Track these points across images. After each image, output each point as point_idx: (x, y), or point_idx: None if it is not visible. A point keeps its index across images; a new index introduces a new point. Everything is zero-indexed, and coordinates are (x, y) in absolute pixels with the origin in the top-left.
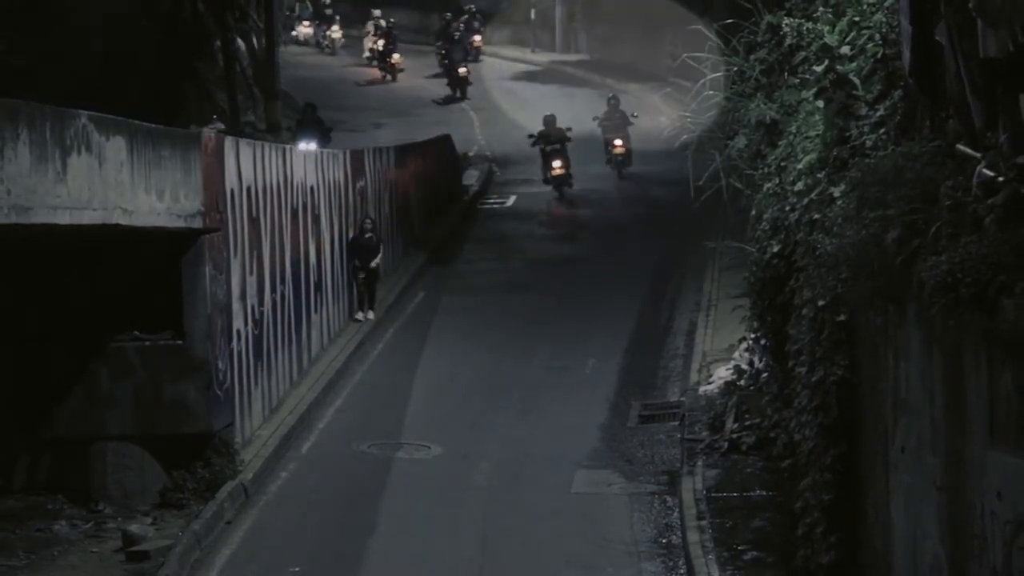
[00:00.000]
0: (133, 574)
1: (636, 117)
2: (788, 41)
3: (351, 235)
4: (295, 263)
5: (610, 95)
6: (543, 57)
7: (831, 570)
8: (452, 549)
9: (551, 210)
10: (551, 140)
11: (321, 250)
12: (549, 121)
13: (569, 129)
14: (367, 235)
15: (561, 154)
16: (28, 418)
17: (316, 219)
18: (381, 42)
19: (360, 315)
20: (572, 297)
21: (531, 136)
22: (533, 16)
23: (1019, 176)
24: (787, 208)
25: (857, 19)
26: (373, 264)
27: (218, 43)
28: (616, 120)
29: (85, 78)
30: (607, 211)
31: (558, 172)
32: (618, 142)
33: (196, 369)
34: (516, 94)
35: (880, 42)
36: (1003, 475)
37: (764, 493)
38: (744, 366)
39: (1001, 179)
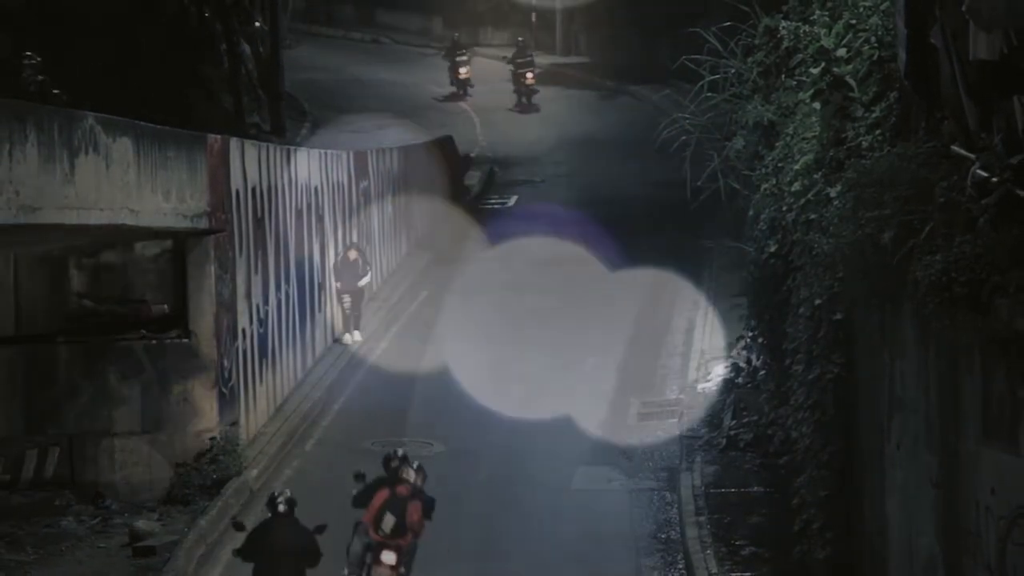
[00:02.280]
0: (139, 569)
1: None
2: (785, 44)
3: (336, 258)
4: (299, 263)
5: (519, 38)
6: (543, 59)
7: (828, 565)
8: (453, 545)
9: None
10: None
11: (325, 250)
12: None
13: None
14: (352, 259)
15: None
16: (37, 415)
17: (320, 219)
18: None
19: (347, 337)
20: (572, 296)
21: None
22: (534, 19)
23: (1013, 177)
24: (784, 208)
25: (853, 22)
26: (361, 284)
27: (224, 46)
28: (527, 58)
29: (91, 80)
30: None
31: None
32: (529, 75)
33: (202, 367)
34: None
35: (876, 45)
36: (997, 471)
37: (761, 489)
38: (742, 364)
39: (995, 180)
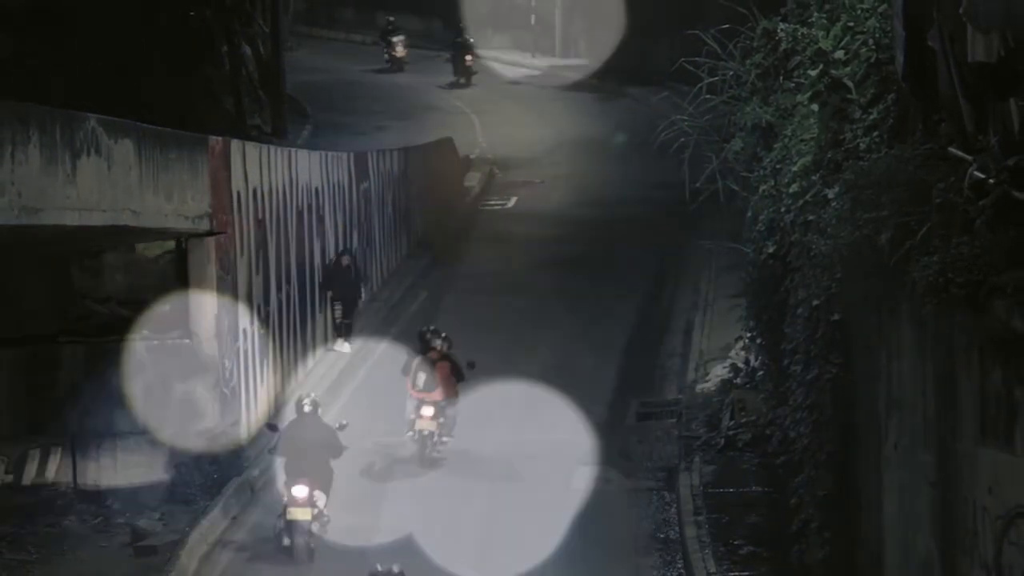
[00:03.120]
0: (141, 568)
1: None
2: (783, 46)
3: (328, 264)
4: (300, 264)
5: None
6: (543, 61)
7: (826, 564)
8: (453, 544)
9: None
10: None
11: (326, 251)
12: None
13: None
14: (344, 266)
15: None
16: (40, 415)
17: (321, 220)
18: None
19: (342, 345)
20: (572, 297)
21: None
22: (533, 21)
23: (1009, 178)
24: (782, 209)
25: (851, 24)
26: (356, 296)
27: (225, 47)
28: (468, 43)
29: (93, 82)
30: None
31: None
32: (469, 57)
33: (203, 368)
34: (517, 98)
35: (874, 47)
36: (994, 471)
37: (760, 489)
38: (740, 364)
39: (992, 181)
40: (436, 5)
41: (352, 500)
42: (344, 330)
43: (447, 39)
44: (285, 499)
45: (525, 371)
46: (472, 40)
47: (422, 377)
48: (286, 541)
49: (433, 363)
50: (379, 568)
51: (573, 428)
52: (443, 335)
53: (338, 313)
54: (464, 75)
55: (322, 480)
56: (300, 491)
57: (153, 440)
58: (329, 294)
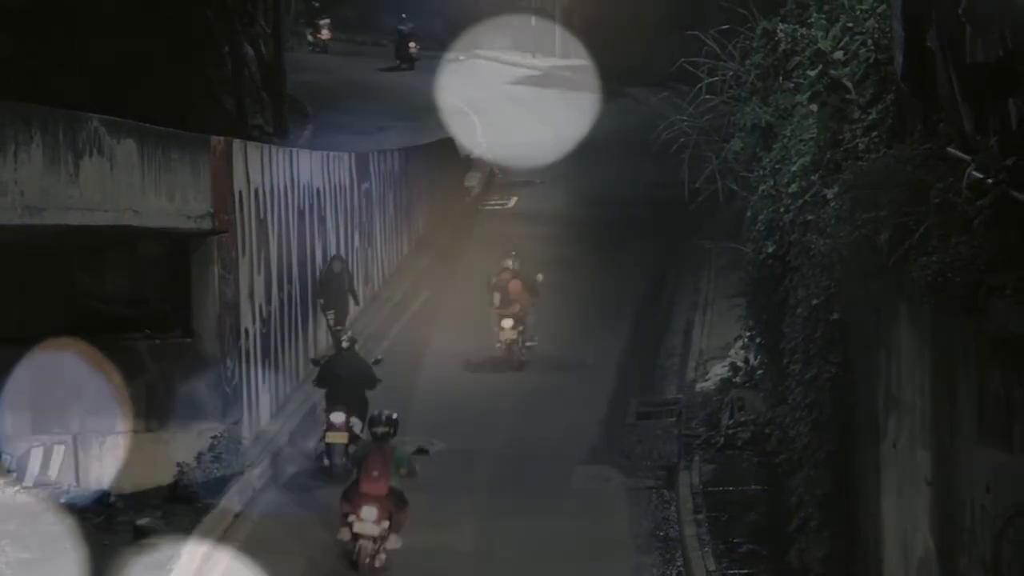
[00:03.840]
0: (144, 567)
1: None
2: (783, 46)
3: (320, 272)
4: (302, 263)
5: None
6: (544, 62)
7: (825, 563)
8: (454, 542)
9: None
10: None
11: (327, 251)
12: None
13: None
14: (336, 272)
15: None
16: (43, 414)
17: (322, 220)
18: None
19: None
20: (572, 296)
21: None
22: (534, 22)
23: (1008, 178)
24: (782, 209)
25: (850, 25)
26: (349, 302)
27: (226, 48)
28: (413, 31)
29: (94, 82)
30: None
31: None
32: (413, 44)
33: (206, 366)
34: (517, 98)
35: (873, 47)
36: (992, 470)
37: (759, 487)
38: (740, 363)
39: (990, 181)
40: (436, 7)
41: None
42: (337, 336)
43: (447, 38)
44: (324, 425)
45: (526, 369)
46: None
47: (498, 296)
48: (326, 462)
49: (507, 282)
50: (375, 413)
51: (573, 427)
52: (513, 254)
53: (331, 320)
54: (406, 60)
55: (358, 408)
56: (338, 417)
57: (155, 439)
58: (321, 301)
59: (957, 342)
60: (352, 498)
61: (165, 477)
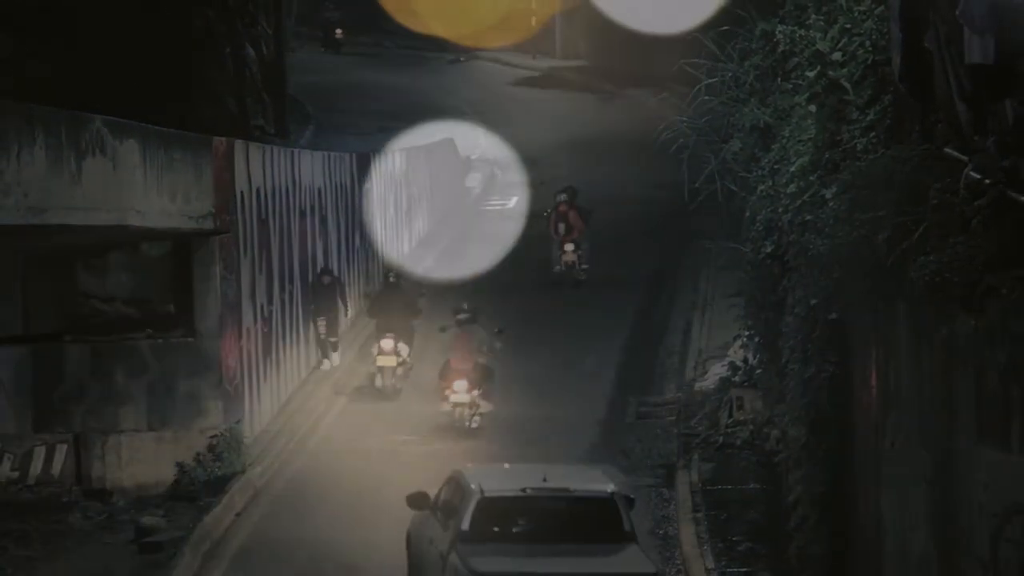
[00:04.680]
0: (145, 565)
1: None
2: (781, 48)
3: (311, 281)
4: (303, 263)
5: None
6: (544, 63)
7: (823, 561)
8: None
9: None
10: None
11: (328, 250)
12: None
13: None
14: (325, 283)
15: None
16: (44, 413)
17: (323, 220)
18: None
19: (325, 363)
20: (571, 296)
21: None
22: (534, 22)
23: (1005, 178)
24: (780, 210)
25: (848, 26)
26: (339, 313)
27: (228, 49)
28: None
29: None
30: None
31: None
32: (339, 31)
33: (207, 366)
34: (517, 99)
35: (871, 49)
36: (990, 469)
37: (758, 486)
38: (738, 363)
39: (988, 181)
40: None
41: None
42: (329, 347)
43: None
44: (376, 350)
45: (526, 370)
46: (340, 16)
47: (562, 226)
48: (378, 382)
49: (565, 213)
50: (458, 304)
51: (573, 425)
52: (567, 187)
53: (322, 330)
54: (333, 47)
55: (405, 335)
56: (387, 343)
57: (157, 438)
58: (312, 307)
59: (955, 341)
60: (446, 375)
61: (167, 476)
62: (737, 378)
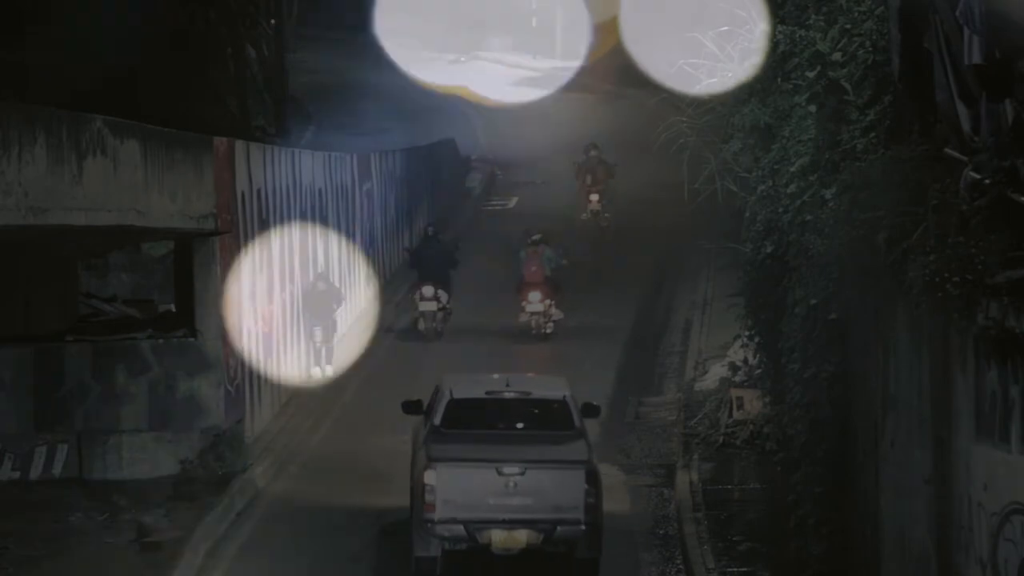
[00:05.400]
0: (147, 564)
1: None
2: (781, 48)
3: (305, 289)
4: (303, 263)
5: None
6: (544, 63)
7: (823, 560)
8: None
9: None
10: None
11: (328, 250)
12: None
13: None
14: (320, 289)
15: None
16: (46, 413)
17: (324, 220)
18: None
19: (316, 371)
20: (571, 296)
21: None
22: (534, 23)
23: (1004, 179)
24: (780, 210)
25: (848, 27)
26: (333, 317)
27: (229, 50)
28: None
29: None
30: None
31: None
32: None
33: (208, 366)
34: (517, 99)
35: (871, 49)
36: (989, 468)
37: (758, 486)
38: (738, 363)
39: (987, 182)
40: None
41: None
42: (326, 355)
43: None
44: (417, 296)
45: (526, 370)
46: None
47: (590, 177)
48: (420, 326)
49: (595, 164)
50: (529, 228)
51: None
52: (593, 143)
53: (318, 338)
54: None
55: (444, 284)
56: (428, 290)
57: (158, 438)
58: (307, 315)
59: (954, 341)
60: (521, 290)
61: (168, 475)
62: (737, 378)
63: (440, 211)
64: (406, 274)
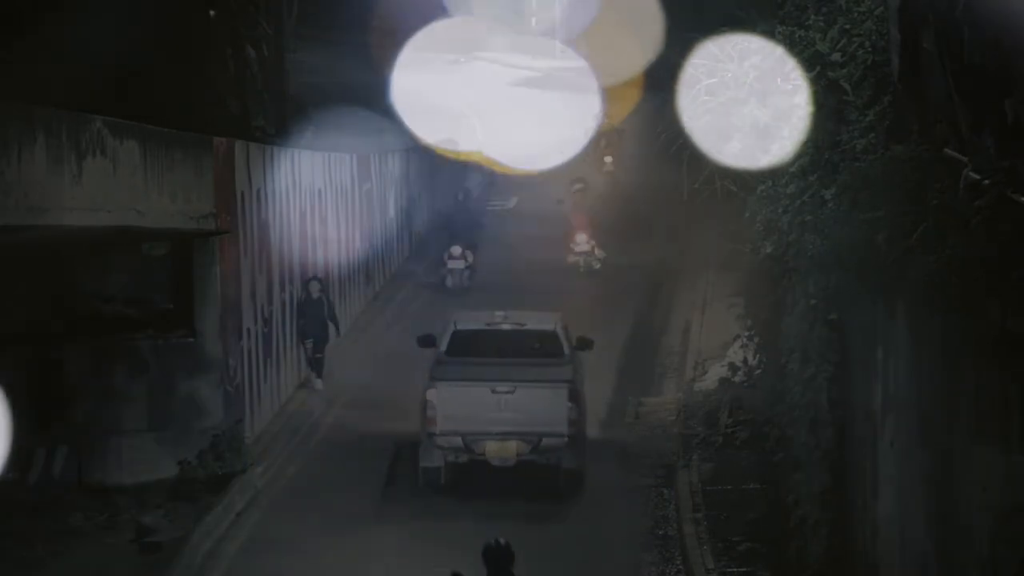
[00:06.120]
0: (146, 565)
1: None
2: (781, 48)
3: (299, 297)
4: (303, 263)
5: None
6: (544, 63)
7: (822, 560)
8: (455, 542)
9: None
10: None
11: (328, 250)
12: None
13: None
14: (314, 297)
15: None
16: (46, 413)
17: (324, 221)
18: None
19: (310, 384)
20: (571, 296)
21: None
22: (534, 23)
23: (1004, 179)
24: (780, 210)
25: (848, 27)
26: (328, 331)
27: (229, 50)
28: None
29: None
30: None
31: None
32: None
33: (208, 366)
34: (517, 99)
35: (870, 50)
36: (989, 469)
37: (757, 486)
38: (738, 363)
39: (987, 182)
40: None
41: None
42: (316, 367)
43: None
44: (446, 255)
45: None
46: None
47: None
48: (448, 282)
49: (607, 144)
50: (574, 177)
51: None
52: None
53: (309, 347)
54: None
55: (471, 244)
56: (456, 250)
57: (158, 438)
58: (301, 324)
59: (954, 342)
60: (568, 232)
61: (167, 476)
62: (737, 378)
63: (440, 211)
64: (406, 274)
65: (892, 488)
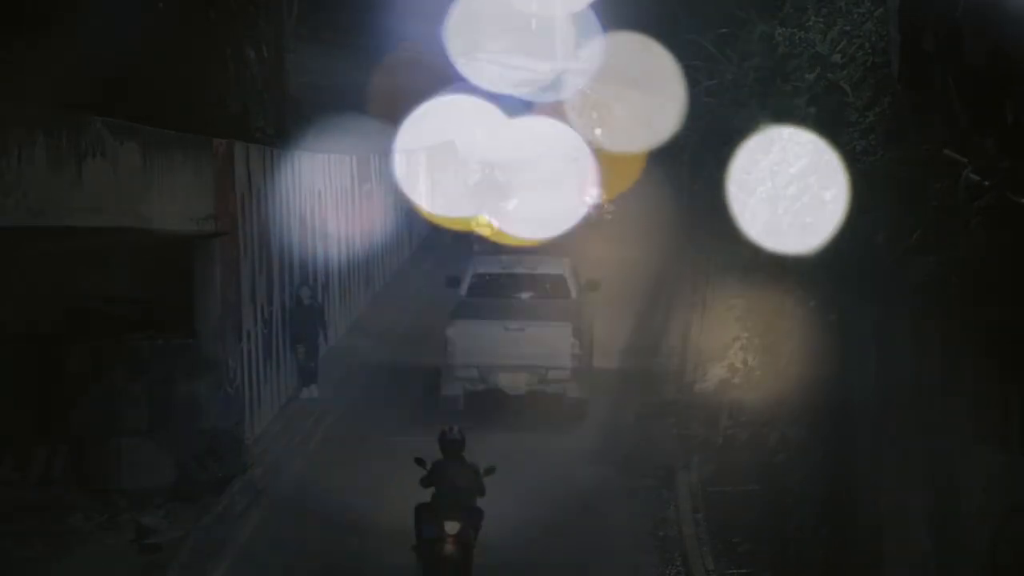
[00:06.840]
0: (146, 565)
1: None
2: (781, 50)
3: (291, 304)
4: (303, 264)
5: None
6: (544, 65)
7: (823, 561)
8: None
9: None
10: None
11: (327, 251)
12: None
13: None
14: (306, 303)
15: None
16: (46, 413)
17: (324, 222)
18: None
19: (305, 392)
20: None
21: None
22: (534, 25)
23: (1004, 180)
24: (780, 211)
25: (848, 28)
26: (319, 339)
27: (229, 51)
28: None
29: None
30: None
31: None
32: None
33: (208, 367)
34: (517, 99)
35: (870, 51)
36: (989, 469)
37: (757, 487)
38: (738, 364)
39: (987, 183)
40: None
41: None
42: (307, 374)
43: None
44: (474, 223)
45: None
46: None
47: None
48: (476, 248)
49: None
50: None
51: (573, 428)
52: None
53: (301, 354)
54: None
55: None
56: (483, 218)
57: (158, 438)
58: (293, 331)
59: (954, 341)
60: (581, 188)
61: (167, 476)
62: (737, 379)
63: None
64: (406, 276)
65: (892, 488)
